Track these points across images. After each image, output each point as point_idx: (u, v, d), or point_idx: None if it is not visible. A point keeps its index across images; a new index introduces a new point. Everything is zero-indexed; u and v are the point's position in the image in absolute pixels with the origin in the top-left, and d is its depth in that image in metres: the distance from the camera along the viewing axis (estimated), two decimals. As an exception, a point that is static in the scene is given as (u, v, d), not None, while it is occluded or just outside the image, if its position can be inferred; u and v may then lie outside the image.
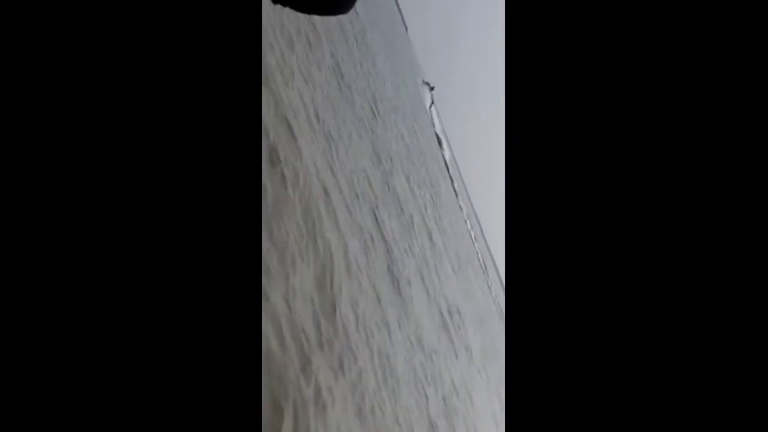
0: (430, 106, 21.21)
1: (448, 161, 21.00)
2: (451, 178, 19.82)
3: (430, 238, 8.96)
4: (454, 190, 19.28)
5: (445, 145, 22.03)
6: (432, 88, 21.84)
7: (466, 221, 18.81)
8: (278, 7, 1.85)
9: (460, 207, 19.22)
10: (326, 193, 4.22)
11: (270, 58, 4.26)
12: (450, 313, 7.58)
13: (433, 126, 20.36)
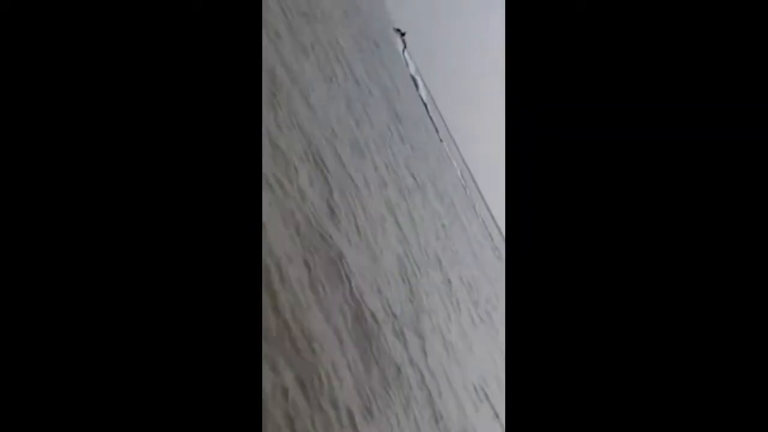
0: (403, 51, 21.01)
1: (425, 99, 20.82)
2: (429, 115, 19.65)
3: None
4: (435, 128, 19.14)
5: (420, 85, 21.76)
6: (403, 34, 21.63)
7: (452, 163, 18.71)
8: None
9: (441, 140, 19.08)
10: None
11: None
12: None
13: (408, 68, 20.12)
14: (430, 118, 19.55)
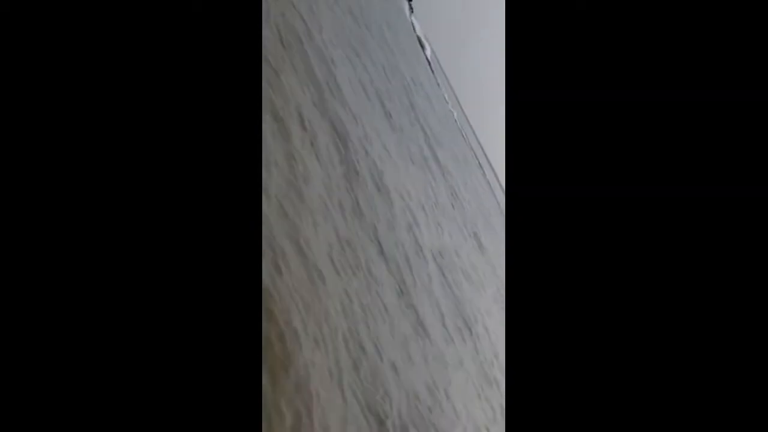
0: (410, 15, 20.91)
1: (429, 57, 20.74)
2: (431, 69, 19.54)
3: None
4: (437, 81, 19.04)
5: (426, 45, 21.63)
6: (410, 0, 21.55)
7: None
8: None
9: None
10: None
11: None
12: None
13: (414, 30, 19.98)
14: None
